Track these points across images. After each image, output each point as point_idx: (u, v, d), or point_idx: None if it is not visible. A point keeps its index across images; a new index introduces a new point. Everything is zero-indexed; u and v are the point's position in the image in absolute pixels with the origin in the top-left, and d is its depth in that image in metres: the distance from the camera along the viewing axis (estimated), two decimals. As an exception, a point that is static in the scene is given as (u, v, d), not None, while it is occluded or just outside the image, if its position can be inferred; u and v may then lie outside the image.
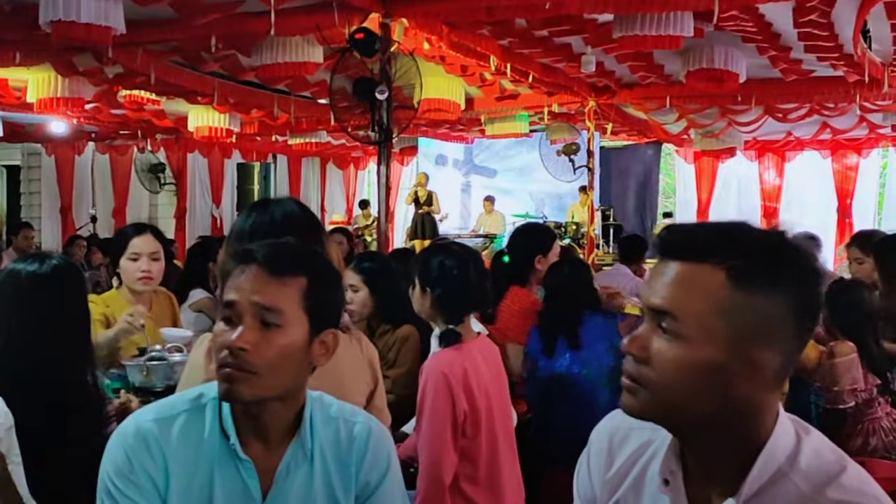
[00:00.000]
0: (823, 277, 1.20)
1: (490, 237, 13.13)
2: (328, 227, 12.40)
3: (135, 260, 3.42)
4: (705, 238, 1.18)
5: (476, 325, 3.09)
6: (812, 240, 5.39)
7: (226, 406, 1.52)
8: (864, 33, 6.55)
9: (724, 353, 1.13)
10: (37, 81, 8.09)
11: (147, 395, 3.03)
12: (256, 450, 1.52)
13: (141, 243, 3.44)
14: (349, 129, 7.11)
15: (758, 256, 1.14)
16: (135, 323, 3.20)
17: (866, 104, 8.89)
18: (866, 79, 7.43)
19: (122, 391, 2.90)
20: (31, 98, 8.27)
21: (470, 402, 2.56)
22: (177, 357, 3.12)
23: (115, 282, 3.55)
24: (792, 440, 1.19)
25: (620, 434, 1.34)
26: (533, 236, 4.31)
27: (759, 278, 1.13)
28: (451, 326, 2.70)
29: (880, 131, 11.05)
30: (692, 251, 1.17)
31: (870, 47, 6.97)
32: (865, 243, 4.74)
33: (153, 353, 3.15)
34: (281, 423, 1.53)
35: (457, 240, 10.64)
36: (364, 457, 1.59)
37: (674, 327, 1.15)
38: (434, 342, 3.28)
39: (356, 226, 14.58)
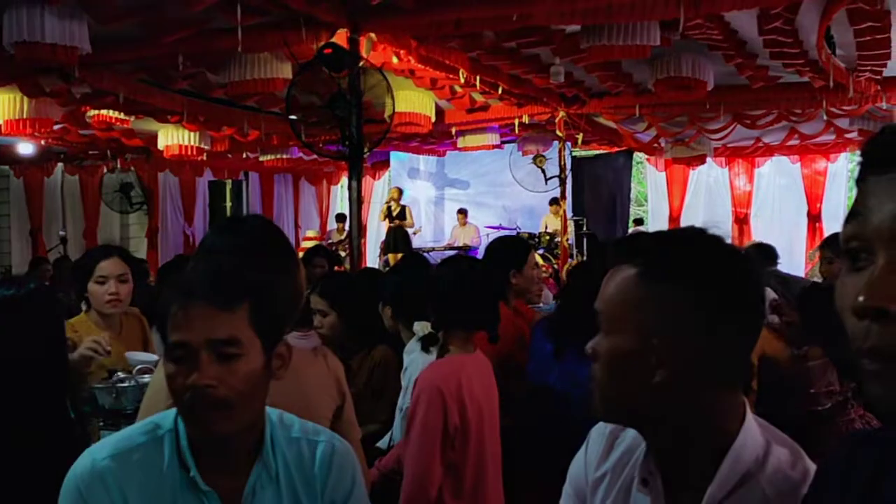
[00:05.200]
0: (739, 272, 1.24)
1: (464, 249, 13.14)
2: (303, 244, 12.37)
3: (102, 283, 3.38)
4: (632, 242, 1.28)
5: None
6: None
7: (183, 436, 1.48)
8: (829, 39, 6.64)
9: (633, 342, 1.21)
10: (3, 102, 8.01)
11: (118, 417, 2.99)
12: (218, 477, 1.48)
13: (108, 266, 3.39)
14: (321, 145, 7.10)
15: (664, 253, 1.23)
16: (101, 348, 3.12)
17: (833, 109, 9.01)
18: (831, 84, 7.53)
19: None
20: (-4, 120, 8.19)
21: (461, 416, 2.54)
22: (146, 378, 3.08)
23: (83, 305, 3.50)
24: (760, 446, 1.22)
25: (617, 432, 1.38)
26: (506, 251, 4.06)
27: (662, 272, 1.21)
28: (431, 330, 2.72)
29: (847, 136, 11.19)
30: (623, 255, 1.26)
31: (834, 53, 7.06)
32: (838, 244, 4.82)
33: (122, 376, 3.11)
34: (244, 447, 1.51)
35: (430, 253, 10.68)
36: (328, 476, 1.57)
37: (603, 324, 1.26)
38: (406, 357, 3.27)
39: (330, 241, 14.53)
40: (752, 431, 1.23)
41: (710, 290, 1.19)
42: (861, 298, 0.77)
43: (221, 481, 1.48)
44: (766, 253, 6.44)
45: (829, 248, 4.98)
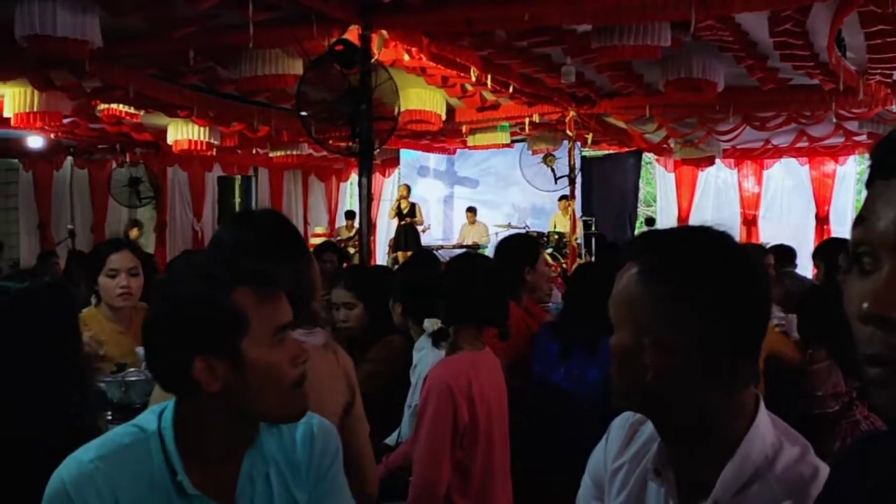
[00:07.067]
0: (738, 272, 1.24)
1: (474, 247, 13.13)
2: (312, 241, 12.38)
3: (113, 276, 3.37)
4: (638, 240, 1.31)
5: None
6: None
7: (169, 440, 1.44)
8: (839, 42, 6.62)
9: (630, 337, 1.24)
10: (13, 96, 8.02)
11: (126, 411, 2.99)
12: (208, 475, 1.46)
13: (119, 259, 3.39)
14: (331, 142, 7.10)
15: (662, 252, 1.25)
16: (93, 351, 3.10)
17: (842, 112, 8.97)
18: (841, 87, 7.50)
19: None
20: (7, 113, 8.19)
21: (471, 414, 2.53)
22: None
23: (93, 299, 3.50)
24: (770, 445, 1.22)
25: (637, 424, 1.39)
26: (519, 249, 4.08)
27: (659, 271, 1.22)
28: (441, 325, 2.74)
29: (857, 139, 11.15)
30: (630, 253, 1.28)
31: (845, 56, 7.04)
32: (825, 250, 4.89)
33: (131, 370, 3.11)
34: (237, 442, 1.50)
35: (439, 251, 10.68)
36: (312, 455, 1.57)
37: (611, 319, 1.29)
38: (415, 355, 3.27)
39: (339, 237, 14.54)
40: (763, 430, 1.23)
41: (706, 289, 1.19)
42: (865, 305, 0.77)
43: (212, 479, 1.46)
44: (784, 254, 6.47)
45: (818, 255, 5.07)
